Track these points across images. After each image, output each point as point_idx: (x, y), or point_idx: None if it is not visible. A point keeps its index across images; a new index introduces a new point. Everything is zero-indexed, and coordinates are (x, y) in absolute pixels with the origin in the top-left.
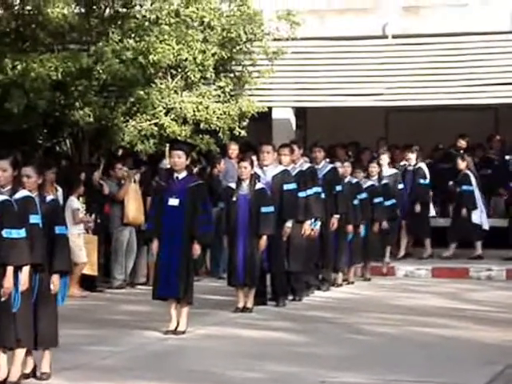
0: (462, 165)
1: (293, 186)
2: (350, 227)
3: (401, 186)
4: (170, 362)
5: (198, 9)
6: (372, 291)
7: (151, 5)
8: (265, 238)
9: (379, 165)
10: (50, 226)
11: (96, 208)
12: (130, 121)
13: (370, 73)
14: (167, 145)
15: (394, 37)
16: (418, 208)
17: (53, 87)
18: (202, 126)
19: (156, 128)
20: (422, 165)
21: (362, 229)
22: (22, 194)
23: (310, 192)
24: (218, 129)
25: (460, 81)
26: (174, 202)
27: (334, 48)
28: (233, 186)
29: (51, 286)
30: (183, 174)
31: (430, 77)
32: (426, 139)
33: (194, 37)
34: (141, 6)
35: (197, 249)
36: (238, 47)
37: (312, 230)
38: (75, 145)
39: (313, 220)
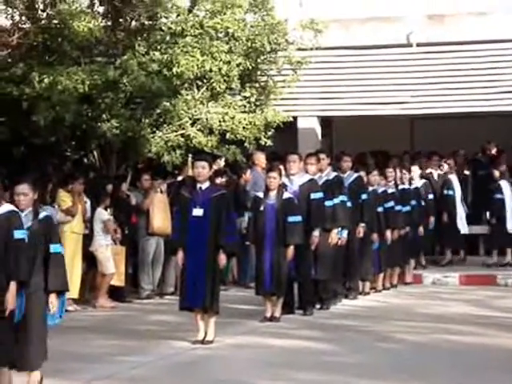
0: (496, 173)
1: (320, 194)
2: (376, 235)
3: (430, 197)
4: (198, 371)
5: (222, 20)
6: (399, 299)
7: (176, 17)
8: (292, 247)
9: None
10: (44, 243)
11: (123, 219)
12: (157, 132)
13: (395, 81)
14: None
15: (418, 45)
16: (445, 218)
17: (80, 100)
18: (227, 136)
19: (182, 139)
20: (452, 176)
21: (388, 236)
22: (5, 208)
23: (336, 201)
24: (243, 139)
25: (484, 88)
26: (198, 212)
27: (358, 57)
28: (260, 195)
29: (50, 306)
30: (206, 185)
31: (454, 85)
32: (451, 147)
33: (219, 48)
34: (166, 18)
35: (223, 259)
36: (262, 57)
37: (339, 238)
38: (103, 157)
39: (339, 229)
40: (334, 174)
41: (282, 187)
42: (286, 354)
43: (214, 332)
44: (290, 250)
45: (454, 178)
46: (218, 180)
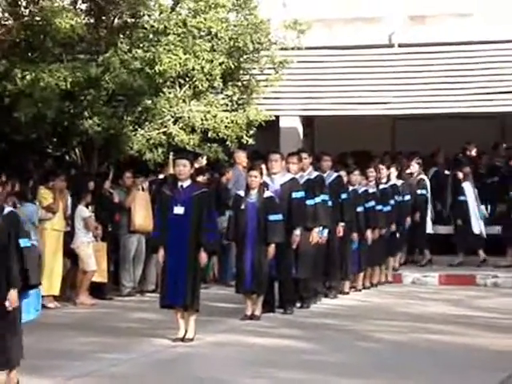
0: (459, 175)
1: (301, 194)
2: (355, 235)
3: (407, 198)
4: (178, 369)
5: (205, 19)
6: (379, 298)
7: (159, 15)
8: (273, 245)
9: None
10: (12, 238)
11: (106, 216)
12: (139, 130)
13: (377, 81)
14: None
15: (400, 46)
16: (417, 217)
17: (62, 97)
18: (210, 134)
19: (164, 137)
20: (423, 176)
21: (368, 236)
22: None
23: (317, 200)
24: (225, 137)
25: (466, 89)
26: (179, 210)
27: (340, 57)
28: (241, 193)
29: (7, 303)
30: (188, 183)
31: (436, 85)
32: (432, 147)
33: (202, 47)
34: (149, 16)
35: (204, 257)
36: (245, 56)
37: (320, 237)
38: (84, 154)
39: (320, 228)
40: (316, 173)
41: (263, 186)
42: (266, 353)
43: (194, 330)
44: (271, 249)
45: (426, 178)
46: (200, 178)
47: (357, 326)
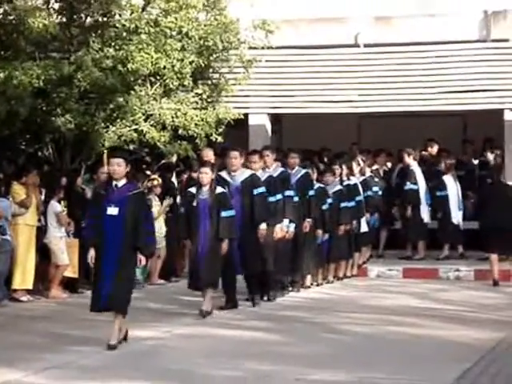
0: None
1: (262, 189)
2: (320, 231)
3: (376, 189)
4: (149, 361)
5: (176, 19)
6: (345, 291)
7: (130, 14)
8: (226, 241)
9: (348, 168)
10: None
11: (78, 212)
12: (111, 127)
13: (343, 80)
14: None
15: (365, 46)
16: (409, 212)
17: (34, 94)
18: (180, 132)
19: (136, 134)
20: (415, 168)
21: (319, 233)
22: None
23: (279, 197)
24: (195, 135)
25: (430, 88)
26: (113, 211)
27: (307, 56)
28: (193, 190)
29: None
30: (122, 182)
31: (400, 84)
32: (396, 144)
33: (173, 46)
34: (120, 16)
35: (142, 260)
36: (214, 55)
37: (286, 232)
38: (57, 150)
39: (286, 223)
40: (281, 169)
41: (215, 182)
42: (234, 345)
43: (117, 336)
44: (225, 244)
45: (418, 171)
46: (169, 175)
47: (324, 319)
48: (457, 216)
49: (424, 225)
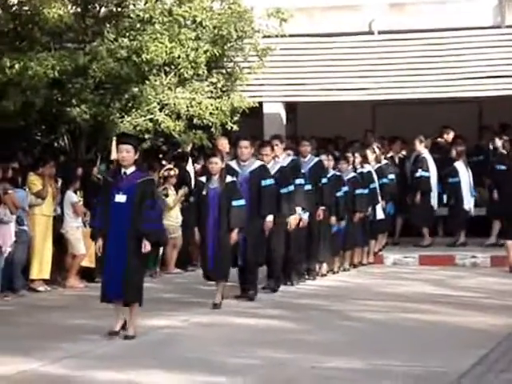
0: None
1: (270, 181)
2: (334, 219)
3: (391, 176)
4: (166, 350)
5: (190, 8)
6: (361, 279)
7: (145, 4)
8: (236, 231)
9: (361, 156)
10: None
11: (94, 202)
12: (126, 117)
13: (357, 68)
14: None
15: (380, 33)
16: (418, 198)
17: (50, 85)
18: (195, 121)
19: (151, 124)
20: (426, 155)
21: (343, 220)
22: None
23: (291, 188)
24: (210, 124)
25: (444, 75)
26: (120, 198)
27: (322, 44)
28: (203, 180)
29: None
30: (131, 170)
31: (415, 71)
32: (411, 132)
33: (187, 35)
34: (134, 6)
35: (147, 245)
36: (229, 44)
37: (300, 220)
38: (72, 141)
39: (299, 210)
40: (291, 158)
41: (225, 172)
42: (250, 333)
43: (133, 328)
44: (234, 234)
45: (429, 158)
46: (184, 164)
47: (339, 306)
48: (469, 203)
49: (432, 212)
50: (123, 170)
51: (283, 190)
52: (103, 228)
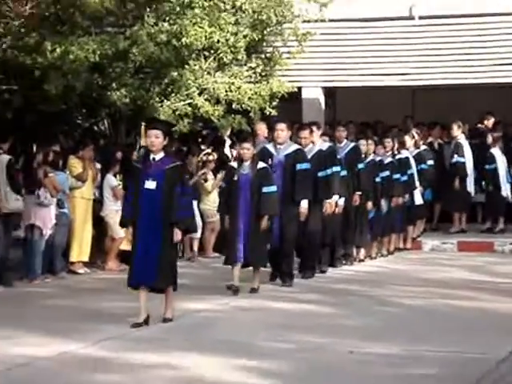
0: (489, 139)
1: (306, 165)
2: (370, 204)
3: (430, 162)
4: (204, 333)
5: None
6: (398, 265)
7: None
8: (266, 217)
9: (399, 142)
10: None
11: None
12: (165, 101)
13: (397, 53)
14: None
15: (420, 18)
16: (456, 184)
17: (90, 69)
18: (234, 105)
19: (190, 108)
20: (462, 141)
21: (383, 205)
22: None
23: (328, 171)
24: (249, 108)
25: (484, 60)
26: (150, 184)
27: (361, 29)
28: (235, 165)
29: None
30: (160, 155)
31: (455, 56)
32: (451, 118)
33: (227, 20)
34: None
35: (178, 233)
36: (268, 29)
37: (336, 206)
38: (112, 125)
39: (336, 197)
40: (327, 144)
41: (257, 157)
42: (288, 317)
43: (171, 311)
44: (265, 221)
45: (465, 144)
46: (223, 148)
47: (377, 292)
48: (506, 189)
49: (469, 198)
50: (152, 156)
51: (320, 174)
52: (134, 215)
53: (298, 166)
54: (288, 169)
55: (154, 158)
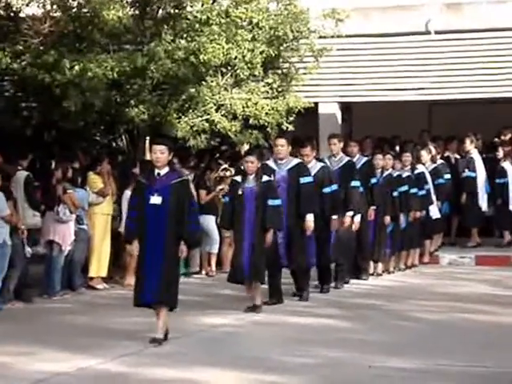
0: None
1: (309, 178)
2: (388, 218)
3: (447, 176)
4: (222, 348)
5: (246, 9)
6: (416, 279)
7: (202, 6)
8: (271, 231)
9: (417, 157)
10: None
11: None
12: (183, 117)
13: (414, 68)
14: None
15: (436, 33)
16: (463, 199)
17: (109, 86)
18: (251, 121)
19: (207, 124)
20: (474, 155)
21: (402, 219)
22: None
23: (334, 187)
24: (266, 124)
25: (500, 75)
26: (156, 200)
27: (377, 44)
28: (239, 179)
29: None
30: (165, 170)
31: (471, 71)
32: (468, 132)
33: (243, 36)
34: (192, 7)
35: (184, 250)
36: (285, 45)
37: (352, 222)
38: (131, 141)
39: (351, 214)
40: (347, 159)
41: (261, 171)
42: (306, 332)
43: (163, 329)
44: (269, 235)
45: (478, 158)
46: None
47: (394, 306)
48: None
49: (481, 213)
50: (157, 171)
51: (325, 190)
52: (138, 231)
53: (302, 180)
54: (292, 183)
55: (159, 173)
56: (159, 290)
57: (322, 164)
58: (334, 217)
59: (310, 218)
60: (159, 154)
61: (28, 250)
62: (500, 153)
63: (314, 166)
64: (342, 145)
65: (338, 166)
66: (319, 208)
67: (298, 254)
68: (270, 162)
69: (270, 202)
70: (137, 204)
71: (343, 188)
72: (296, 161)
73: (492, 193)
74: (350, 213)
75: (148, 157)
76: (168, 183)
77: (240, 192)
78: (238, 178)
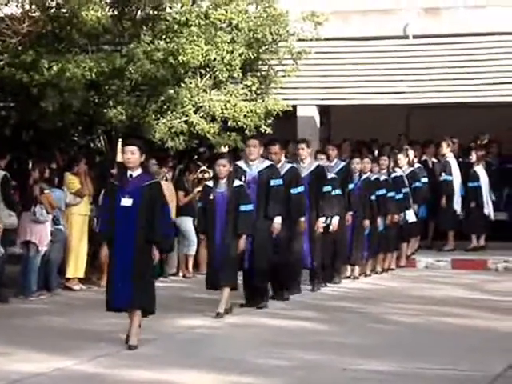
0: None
1: (279, 181)
2: (367, 222)
3: (424, 180)
4: (199, 349)
5: (226, 11)
6: (393, 282)
7: (181, 7)
8: (244, 236)
9: (393, 160)
10: None
11: None
12: (161, 119)
13: (392, 72)
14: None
15: (414, 37)
16: (443, 202)
17: (87, 87)
18: (229, 123)
19: (186, 125)
20: (450, 159)
21: (379, 223)
22: None
23: (300, 189)
24: (244, 126)
25: (478, 79)
26: (126, 202)
27: (356, 48)
28: (210, 184)
29: None
30: (138, 172)
31: (449, 75)
32: (445, 136)
33: (223, 38)
34: (171, 9)
35: (156, 255)
36: (264, 47)
37: (329, 226)
38: (109, 142)
39: (323, 219)
40: (316, 163)
41: (233, 175)
42: (283, 334)
43: (136, 337)
44: (242, 240)
45: (454, 162)
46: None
47: (371, 309)
48: (488, 207)
49: (456, 216)
50: (129, 173)
51: (293, 191)
52: (110, 234)
53: (272, 182)
54: (262, 185)
55: (131, 175)
56: (133, 295)
57: (291, 164)
58: (302, 219)
59: (277, 221)
60: (130, 155)
61: (1, 250)
62: (473, 157)
63: (283, 166)
64: (310, 150)
65: (308, 172)
66: (286, 208)
67: (260, 257)
68: (241, 163)
69: (243, 208)
70: (108, 206)
71: (312, 194)
72: (267, 162)
73: (465, 196)
74: (323, 218)
75: (119, 158)
76: (140, 185)
77: (211, 197)
78: (210, 183)
